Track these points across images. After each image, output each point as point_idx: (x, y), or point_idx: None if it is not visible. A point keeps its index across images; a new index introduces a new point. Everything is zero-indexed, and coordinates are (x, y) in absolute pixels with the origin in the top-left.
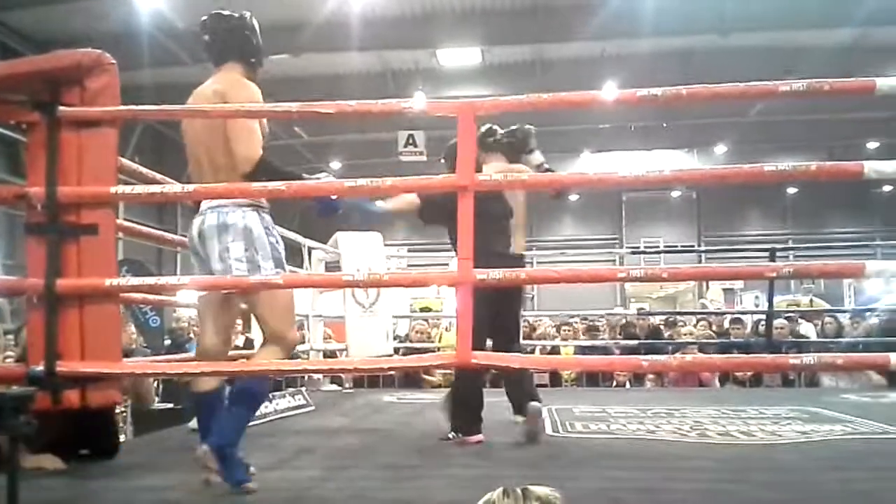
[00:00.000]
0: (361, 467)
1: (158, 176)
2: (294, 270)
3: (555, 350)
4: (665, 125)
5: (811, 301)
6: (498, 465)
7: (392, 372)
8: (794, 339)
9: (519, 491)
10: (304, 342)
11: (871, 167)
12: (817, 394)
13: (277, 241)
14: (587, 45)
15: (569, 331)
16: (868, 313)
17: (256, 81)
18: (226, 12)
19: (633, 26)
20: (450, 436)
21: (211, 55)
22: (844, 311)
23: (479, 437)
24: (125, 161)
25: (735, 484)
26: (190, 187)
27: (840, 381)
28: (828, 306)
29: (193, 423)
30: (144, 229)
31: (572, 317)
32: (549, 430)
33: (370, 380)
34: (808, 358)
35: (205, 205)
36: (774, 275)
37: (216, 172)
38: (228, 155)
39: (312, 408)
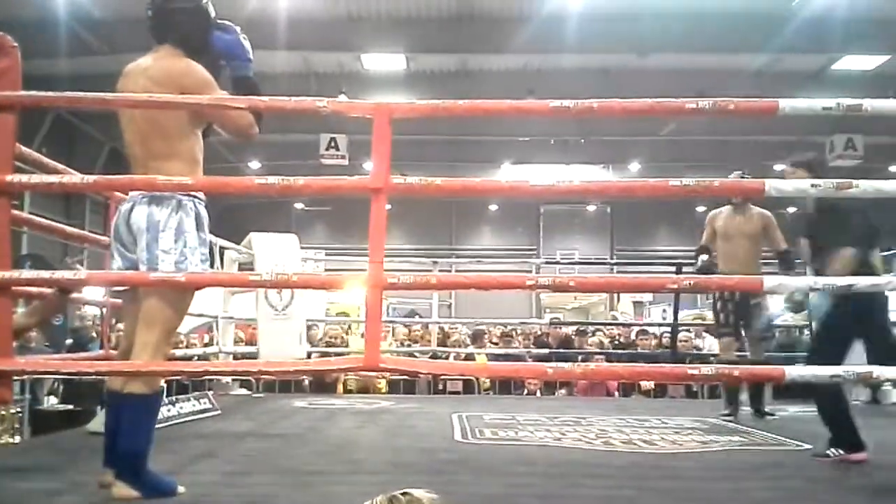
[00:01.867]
0: (262, 473)
1: (61, 167)
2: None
3: (469, 357)
4: (583, 140)
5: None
6: (403, 472)
7: (303, 376)
8: (697, 352)
9: (401, 496)
10: (213, 344)
11: (773, 185)
12: (719, 406)
13: (206, 237)
14: (511, 58)
15: (485, 340)
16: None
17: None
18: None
19: (556, 42)
20: (829, 452)
21: (153, 35)
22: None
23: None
24: (27, 150)
25: (633, 491)
26: (90, 178)
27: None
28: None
29: (92, 426)
30: (48, 223)
31: (493, 325)
32: (458, 437)
33: (281, 384)
34: (707, 369)
35: (136, 192)
36: (676, 287)
37: (149, 159)
38: (163, 139)
39: (218, 412)
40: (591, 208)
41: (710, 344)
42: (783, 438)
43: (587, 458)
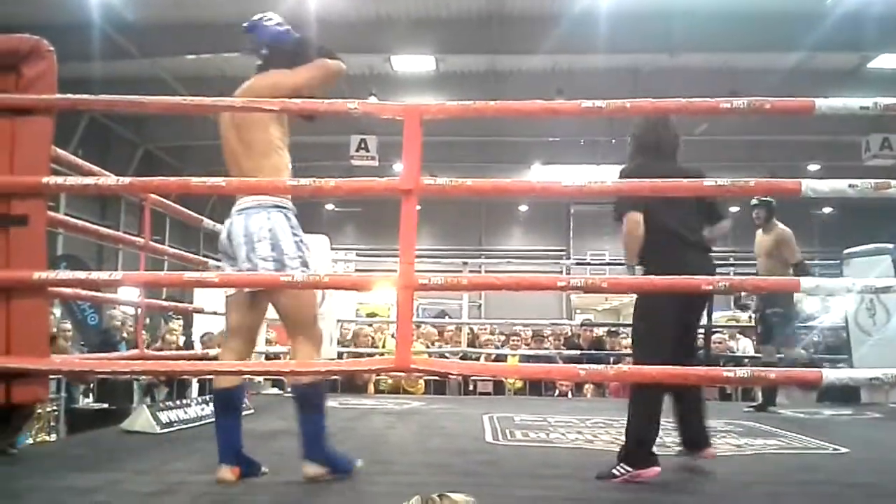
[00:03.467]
0: (294, 472)
1: (96, 169)
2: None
3: (500, 358)
4: (613, 141)
5: (750, 317)
6: (434, 472)
7: (333, 376)
8: (731, 354)
9: (437, 498)
10: None
11: (809, 185)
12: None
13: (302, 241)
14: (540, 58)
15: (517, 341)
16: (806, 331)
17: None
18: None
19: (585, 42)
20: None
21: (264, 63)
22: None
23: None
24: (62, 152)
25: (667, 495)
26: (125, 180)
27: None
28: None
29: (126, 424)
30: (83, 224)
31: (523, 326)
32: (489, 438)
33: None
34: (742, 371)
35: (234, 208)
36: (711, 287)
37: (247, 174)
38: (264, 152)
39: (252, 411)
40: None
41: (745, 346)
42: (819, 441)
43: None
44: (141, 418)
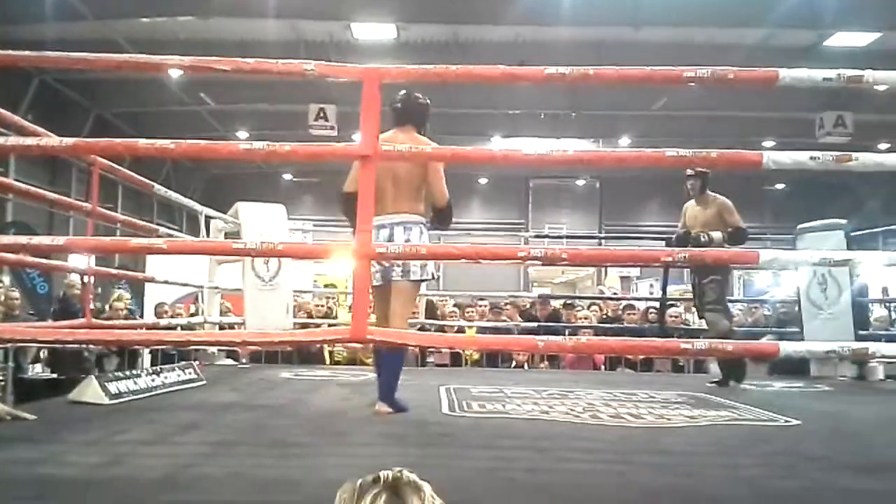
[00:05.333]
0: (248, 444)
1: (42, 130)
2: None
3: (459, 330)
4: (573, 114)
5: None
6: (390, 444)
7: (288, 347)
8: (685, 327)
9: (387, 475)
10: (199, 314)
11: (771, 157)
12: (706, 380)
13: None
14: (504, 29)
15: (473, 312)
16: (759, 304)
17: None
18: (419, 95)
19: (549, 14)
20: None
21: (398, 118)
22: (736, 301)
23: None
24: (8, 114)
25: (623, 465)
26: (70, 140)
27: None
28: None
29: (74, 395)
30: (33, 189)
31: (479, 298)
32: (445, 410)
33: (268, 355)
34: (700, 343)
35: (386, 220)
36: (670, 259)
37: (402, 197)
38: (415, 190)
39: (203, 382)
40: (580, 183)
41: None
42: (771, 414)
43: (575, 432)
44: (89, 389)
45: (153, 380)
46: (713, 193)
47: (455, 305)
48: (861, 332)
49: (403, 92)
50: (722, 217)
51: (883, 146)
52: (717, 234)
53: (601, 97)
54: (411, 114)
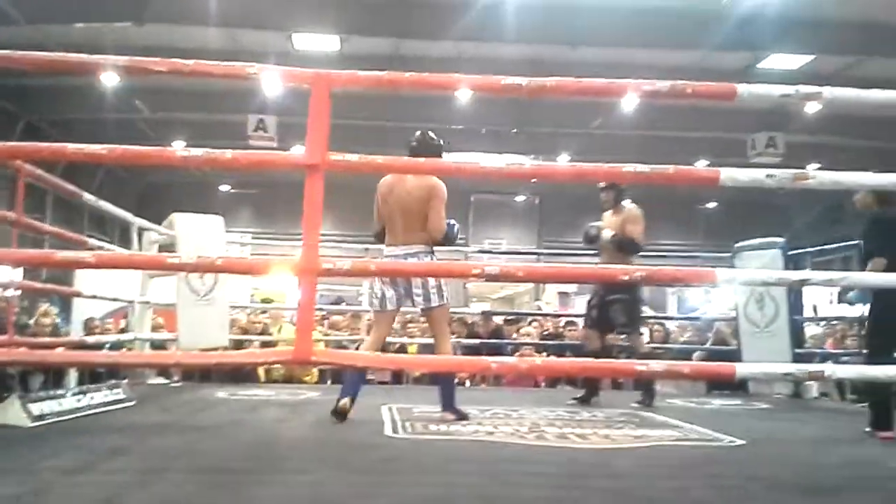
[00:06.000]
0: (179, 471)
1: None
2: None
3: (402, 347)
4: (515, 131)
5: None
6: (332, 470)
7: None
8: (624, 344)
9: None
10: (128, 330)
11: (728, 174)
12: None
13: None
14: (446, 45)
15: (415, 329)
16: (696, 321)
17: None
18: (433, 136)
19: (490, 31)
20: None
21: (413, 155)
22: (673, 319)
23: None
24: None
25: (577, 490)
26: None
27: (665, 385)
28: (652, 312)
29: None
30: None
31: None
32: (388, 431)
33: (201, 373)
34: (657, 365)
35: (400, 251)
36: (628, 278)
37: (412, 229)
38: (423, 221)
39: (133, 403)
40: (520, 199)
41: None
42: (714, 433)
43: (523, 455)
44: (11, 410)
45: (79, 400)
46: (629, 204)
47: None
48: (797, 351)
49: (419, 132)
50: (624, 226)
51: (813, 167)
52: (607, 232)
53: (541, 114)
54: (424, 153)
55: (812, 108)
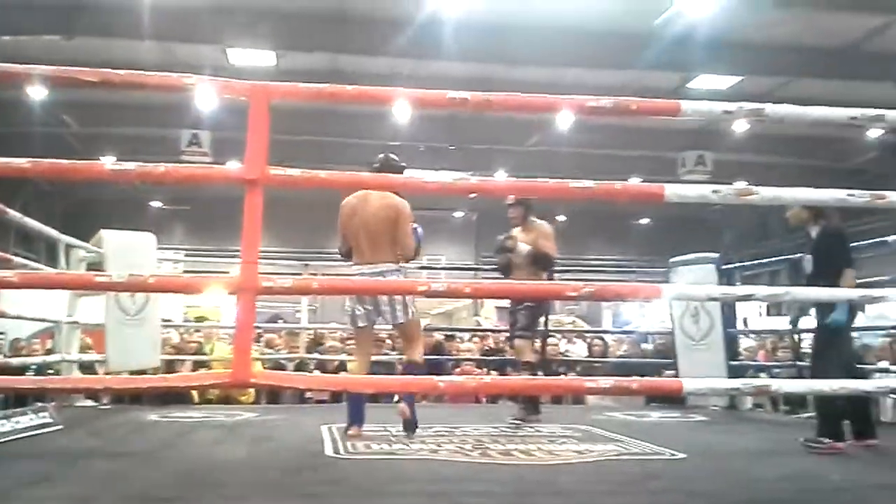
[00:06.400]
0: (108, 499)
1: None
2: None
3: (342, 364)
4: (452, 147)
5: (574, 322)
6: (271, 495)
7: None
8: (565, 358)
9: None
10: (55, 351)
11: (673, 190)
12: (585, 411)
13: None
14: (383, 61)
15: (354, 345)
16: (631, 335)
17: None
18: (395, 158)
19: (427, 49)
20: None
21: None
22: (612, 332)
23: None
24: None
25: None
26: None
27: (604, 399)
28: (587, 326)
29: None
30: None
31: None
32: (328, 452)
33: (132, 395)
34: (605, 381)
35: (367, 269)
36: (576, 294)
37: (379, 248)
38: (392, 241)
39: (60, 427)
40: (458, 215)
41: (579, 350)
42: (655, 447)
43: (469, 473)
44: None
45: (2, 425)
46: (538, 220)
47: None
48: (732, 363)
49: (382, 154)
50: (538, 241)
51: (741, 184)
52: (523, 246)
53: (478, 131)
54: (387, 173)
55: (740, 127)
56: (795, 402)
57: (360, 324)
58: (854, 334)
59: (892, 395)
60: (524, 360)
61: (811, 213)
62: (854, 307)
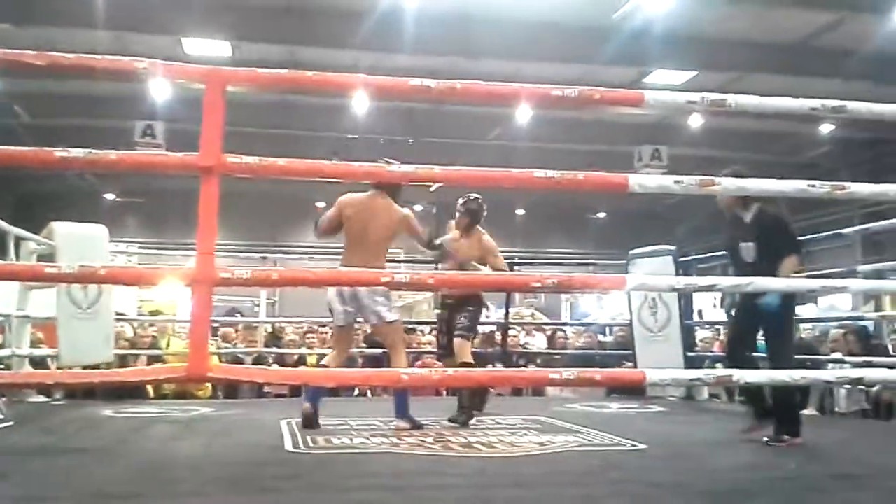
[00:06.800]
0: (62, 497)
1: None
2: None
3: (301, 358)
4: (411, 140)
5: (533, 314)
6: (230, 492)
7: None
8: (525, 350)
9: None
10: (5, 346)
11: (636, 180)
12: (545, 403)
13: None
14: (342, 54)
15: (314, 338)
16: (590, 327)
17: None
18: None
19: (389, 41)
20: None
21: (387, 189)
22: (571, 325)
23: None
24: None
25: (483, 503)
26: None
27: (564, 390)
28: (546, 319)
29: None
30: None
31: (321, 325)
32: (288, 447)
33: (85, 390)
34: (568, 373)
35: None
36: (540, 285)
37: (368, 255)
38: (384, 248)
39: (10, 423)
40: (418, 208)
41: (539, 342)
42: (616, 437)
43: (430, 466)
44: None
45: None
46: (482, 232)
47: (293, 332)
48: (689, 354)
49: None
50: (486, 255)
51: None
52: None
53: (438, 125)
54: (387, 185)
55: (695, 121)
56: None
57: (339, 323)
58: (809, 325)
59: (848, 385)
60: (463, 360)
61: (739, 198)
62: (794, 295)
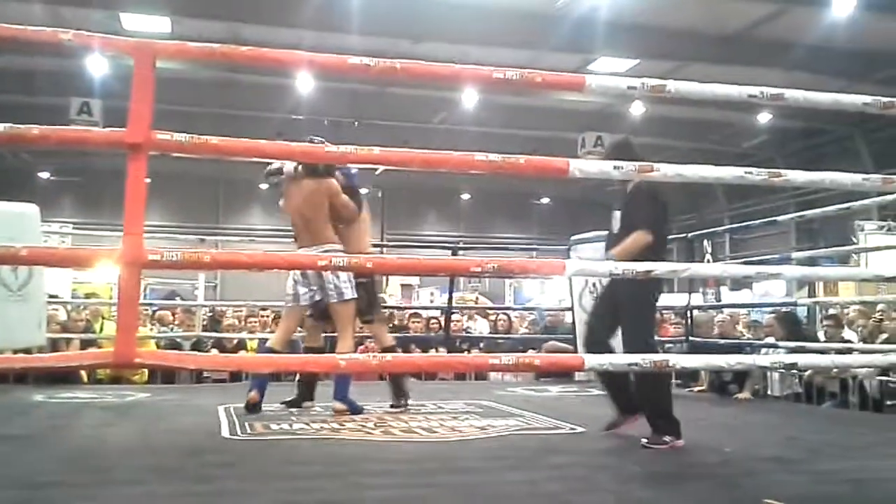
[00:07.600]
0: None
1: None
2: None
3: (241, 343)
4: (356, 123)
5: (477, 298)
6: (164, 479)
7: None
8: (468, 334)
9: None
10: None
11: (576, 165)
12: (487, 387)
13: None
14: (286, 32)
15: (256, 323)
16: (533, 312)
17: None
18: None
19: (334, 20)
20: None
21: (307, 169)
22: (514, 309)
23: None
24: None
25: (424, 488)
26: None
27: (504, 374)
28: (490, 304)
29: None
30: None
31: (262, 308)
32: (225, 433)
33: (16, 375)
34: (508, 358)
35: (313, 251)
36: (480, 270)
37: (315, 232)
38: (325, 219)
39: None
40: (364, 192)
41: (482, 327)
42: (556, 421)
43: (370, 452)
44: None
45: None
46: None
47: (233, 316)
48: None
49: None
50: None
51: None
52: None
53: (383, 108)
54: (314, 171)
55: (637, 109)
56: (687, 376)
57: (303, 303)
58: (743, 311)
59: (781, 370)
60: (384, 346)
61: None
62: (660, 280)
